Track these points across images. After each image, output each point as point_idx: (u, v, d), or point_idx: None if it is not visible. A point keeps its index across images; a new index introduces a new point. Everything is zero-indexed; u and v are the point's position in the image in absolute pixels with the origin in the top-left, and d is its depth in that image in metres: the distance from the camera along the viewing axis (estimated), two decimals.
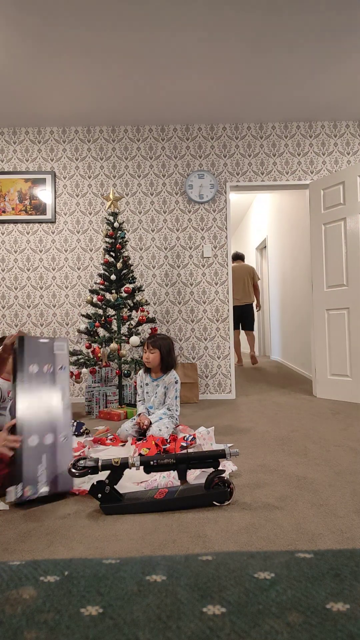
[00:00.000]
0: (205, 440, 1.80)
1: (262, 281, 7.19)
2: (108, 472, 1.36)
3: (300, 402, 3.08)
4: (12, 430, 1.38)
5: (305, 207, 3.99)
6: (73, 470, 1.34)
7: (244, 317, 5.36)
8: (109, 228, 3.06)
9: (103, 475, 1.49)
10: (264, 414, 2.73)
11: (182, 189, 3.58)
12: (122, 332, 3.34)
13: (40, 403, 1.45)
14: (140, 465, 1.36)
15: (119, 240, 3.06)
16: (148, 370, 2.35)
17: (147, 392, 2.34)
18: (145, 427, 2.09)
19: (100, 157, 3.60)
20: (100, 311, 3.30)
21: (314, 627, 0.24)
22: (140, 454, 1.77)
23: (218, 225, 3.57)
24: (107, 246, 3.06)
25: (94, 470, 1.34)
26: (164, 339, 2.31)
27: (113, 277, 2.96)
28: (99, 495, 1.30)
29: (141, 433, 2.15)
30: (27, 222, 3.56)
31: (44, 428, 1.43)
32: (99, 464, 1.34)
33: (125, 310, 3.00)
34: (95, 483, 1.32)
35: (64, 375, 1.55)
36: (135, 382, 2.58)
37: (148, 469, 1.37)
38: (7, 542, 1.12)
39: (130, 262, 3.53)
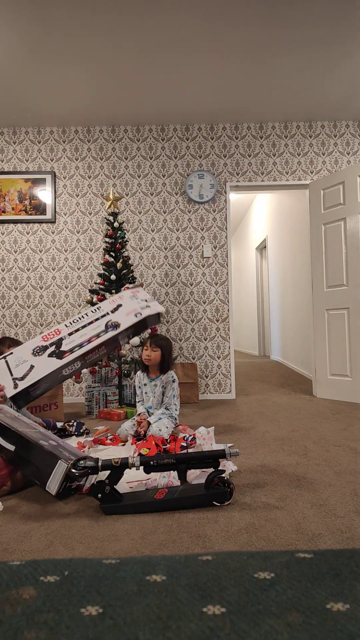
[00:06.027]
0: (205, 440, 1.80)
1: (263, 281, 7.19)
2: (108, 472, 1.36)
3: (300, 402, 3.08)
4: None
5: (305, 207, 3.99)
6: (73, 470, 1.34)
7: None
8: (109, 228, 3.06)
9: (103, 475, 1.50)
10: (264, 414, 2.72)
11: (182, 189, 3.58)
12: None
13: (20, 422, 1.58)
14: (140, 465, 1.36)
15: (119, 240, 3.05)
16: (145, 370, 2.36)
17: (145, 393, 2.34)
18: (143, 434, 2.08)
19: (100, 157, 3.60)
20: None
21: (314, 627, 0.24)
22: (140, 454, 1.77)
23: (218, 225, 3.57)
24: (107, 246, 3.06)
25: (94, 470, 1.34)
26: (166, 340, 2.31)
27: (113, 277, 2.96)
28: (99, 495, 1.30)
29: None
30: (27, 222, 3.56)
31: (41, 437, 1.50)
32: (99, 464, 1.34)
33: None
34: (95, 483, 1.32)
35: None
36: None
37: (148, 469, 1.37)
38: (7, 542, 1.12)
39: (130, 262, 3.53)
